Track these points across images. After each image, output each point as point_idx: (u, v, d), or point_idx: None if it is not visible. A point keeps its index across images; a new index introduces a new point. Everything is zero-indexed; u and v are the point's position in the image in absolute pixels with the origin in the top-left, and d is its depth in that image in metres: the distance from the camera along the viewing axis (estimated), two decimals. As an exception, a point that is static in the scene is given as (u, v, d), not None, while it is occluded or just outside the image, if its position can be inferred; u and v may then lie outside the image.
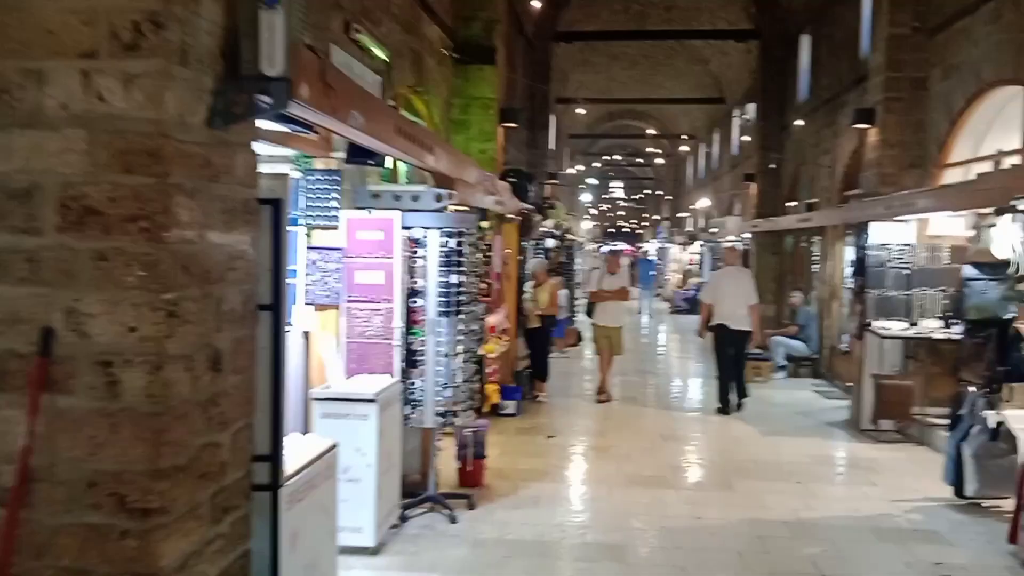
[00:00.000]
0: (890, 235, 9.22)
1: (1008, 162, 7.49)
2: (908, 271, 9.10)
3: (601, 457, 7.95)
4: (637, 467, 7.51)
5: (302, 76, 2.70)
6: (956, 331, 8.76)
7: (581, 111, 28.66)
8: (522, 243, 10.38)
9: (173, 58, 2.23)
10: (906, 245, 9.12)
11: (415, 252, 5.69)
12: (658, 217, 47.73)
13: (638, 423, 9.57)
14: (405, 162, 5.09)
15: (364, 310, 5.56)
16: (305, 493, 3.62)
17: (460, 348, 5.84)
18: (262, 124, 3.20)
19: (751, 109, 19.04)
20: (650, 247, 46.07)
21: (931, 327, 8.96)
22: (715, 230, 22.98)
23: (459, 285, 5.77)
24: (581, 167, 35.50)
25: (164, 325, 2.24)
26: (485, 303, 9.51)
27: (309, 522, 3.66)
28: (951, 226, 9.13)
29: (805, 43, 15.65)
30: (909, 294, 9.12)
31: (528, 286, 10.80)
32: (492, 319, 9.33)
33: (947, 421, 8.63)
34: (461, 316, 5.84)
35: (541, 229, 13.25)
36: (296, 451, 3.75)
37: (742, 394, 10.27)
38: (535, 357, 10.58)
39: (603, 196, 60.33)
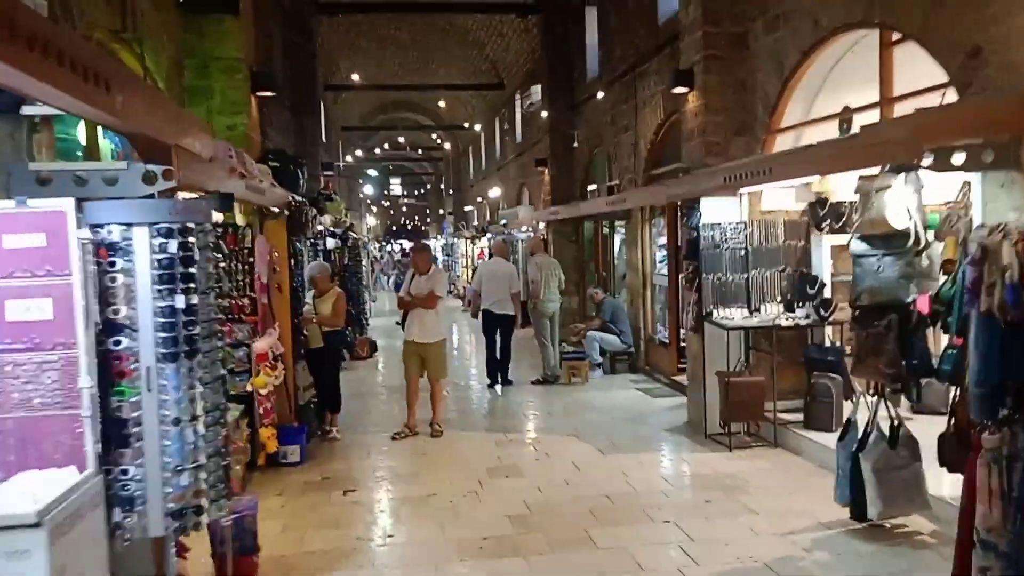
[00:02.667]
0: (720, 213, 8.15)
1: (861, 120, 6.52)
2: (744, 252, 8.06)
3: (419, 514, 6.12)
4: (467, 525, 5.76)
5: None
6: (800, 315, 7.85)
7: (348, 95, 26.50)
8: (296, 244, 8.27)
9: None
10: (739, 224, 8.08)
11: (111, 264, 3.57)
12: (442, 212, 46.45)
13: (455, 455, 7.83)
14: (55, 105, 2.97)
15: (23, 364, 3.36)
16: None
17: (200, 407, 3.78)
18: None
19: (536, 92, 17.92)
20: (436, 243, 44.84)
21: (774, 313, 7.98)
22: (505, 222, 21.78)
23: (191, 310, 3.70)
24: (360, 158, 33.19)
25: None
26: (251, 324, 7.44)
27: None
28: (783, 199, 8.21)
29: (591, 15, 14.65)
30: (747, 277, 8.09)
31: (307, 296, 8.72)
32: (261, 344, 7.21)
33: (800, 417, 7.78)
34: (199, 357, 3.77)
35: (318, 227, 11.12)
36: None
37: (504, 377, 11.32)
38: (322, 384, 8.52)
39: (384, 193, 58.20)
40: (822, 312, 7.70)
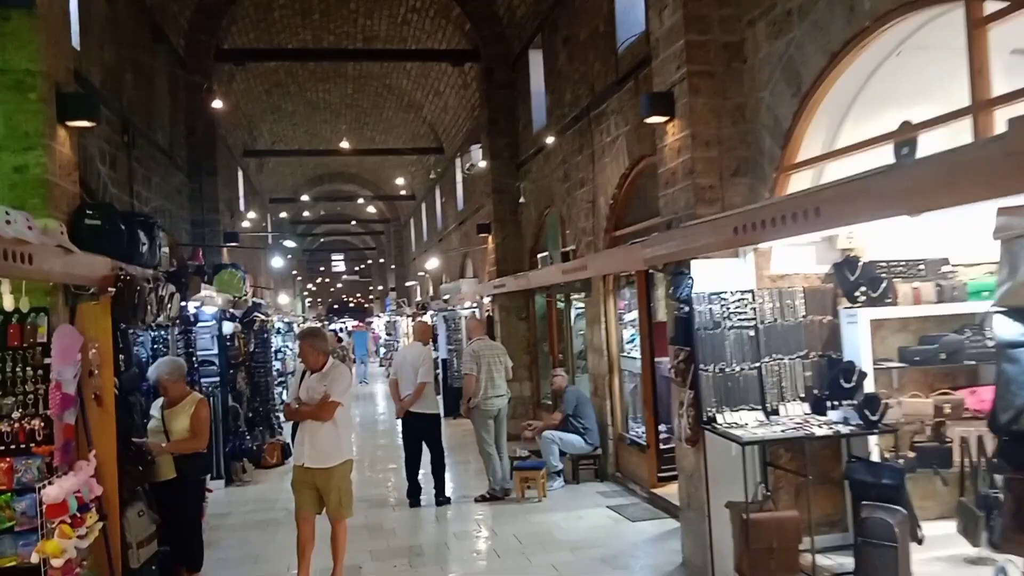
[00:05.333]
0: (718, 281, 6.03)
1: (929, 140, 4.46)
2: (753, 333, 5.92)
3: None
4: None
5: None
6: (836, 418, 5.68)
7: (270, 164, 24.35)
8: (129, 332, 5.87)
9: None
10: (745, 294, 5.96)
11: None
12: (382, 288, 44.13)
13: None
14: None
15: None
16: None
17: None
18: None
19: (477, 152, 15.92)
20: (378, 321, 42.34)
21: (799, 415, 5.81)
22: (447, 297, 19.52)
23: None
24: (294, 231, 30.71)
25: None
26: (44, 457, 5.03)
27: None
28: (799, 260, 6.13)
29: (536, 59, 12.76)
30: (759, 367, 5.92)
31: (155, 408, 6.27)
32: (52, 490, 4.75)
33: (845, 564, 5.53)
34: None
35: (193, 306, 8.74)
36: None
37: (440, 493, 9.10)
38: (173, 530, 6.02)
39: (322, 269, 55.67)
40: (868, 414, 5.53)
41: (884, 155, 4.83)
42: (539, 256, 12.43)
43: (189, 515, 6.14)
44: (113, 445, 5.44)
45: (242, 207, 19.22)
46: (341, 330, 35.89)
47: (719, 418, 5.79)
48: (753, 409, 5.84)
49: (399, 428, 9.60)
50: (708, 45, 6.16)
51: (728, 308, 5.91)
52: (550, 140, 11.39)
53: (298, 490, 6.16)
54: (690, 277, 5.93)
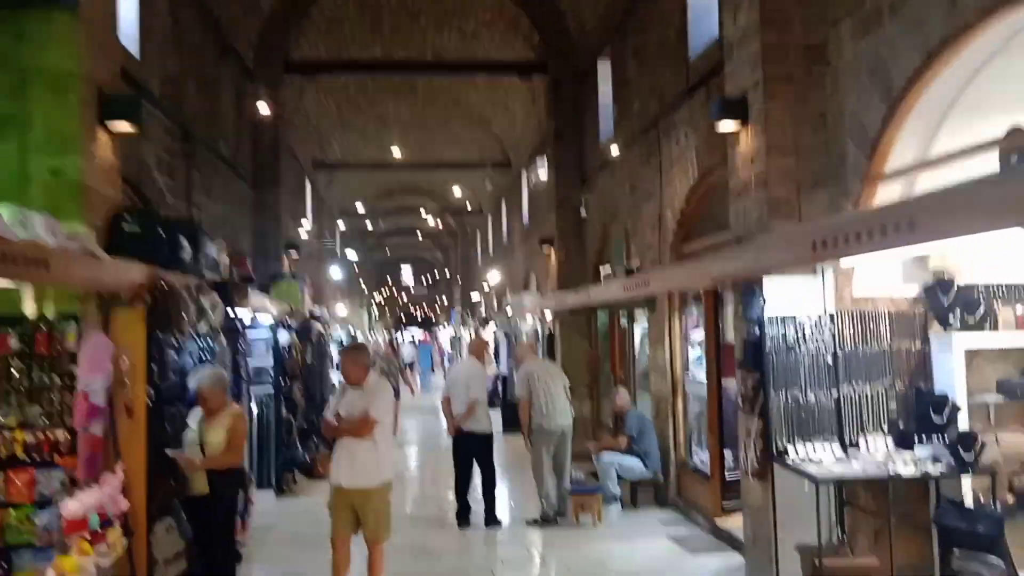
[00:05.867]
0: (793, 302, 5.52)
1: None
2: (832, 359, 5.38)
3: None
4: None
5: None
6: (924, 456, 5.09)
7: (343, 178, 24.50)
8: (171, 341, 5.67)
9: None
10: (823, 316, 5.43)
11: None
12: (447, 301, 44.15)
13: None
14: None
15: None
16: None
17: None
18: None
19: (543, 166, 15.57)
20: (443, 334, 42.35)
21: (880, 451, 5.24)
22: (510, 312, 19.20)
23: None
24: (353, 249, 30.81)
25: None
26: (68, 469, 4.82)
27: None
28: (885, 280, 5.57)
29: (604, 70, 12.37)
30: (837, 397, 5.38)
31: (192, 419, 6.05)
32: (74, 505, 4.54)
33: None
34: None
35: (248, 315, 8.60)
36: None
37: (491, 514, 8.65)
38: (205, 547, 5.78)
39: (390, 281, 56.13)
40: (962, 453, 4.94)
41: (986, 165, 4.28)
42: (602, 272, 11.98)
43: (220, 532, 5.88)
44: (143, 458, 5.23)
45: (309, 218, 19.30)
46: (403, 341, 35.66)
47: (790, 450, 5.28)
48: (829, 442, 5.30)
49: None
50: (787, 47, 5.68)
51: (803, 331, 5.39)
52: (615, 149, 10.96)
53: (335, 511, 5.85)
54: (762, 296, 5.43)
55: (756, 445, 5.49)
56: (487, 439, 8.82)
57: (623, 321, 12.12)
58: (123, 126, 5.30)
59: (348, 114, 20.80)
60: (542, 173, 15.35)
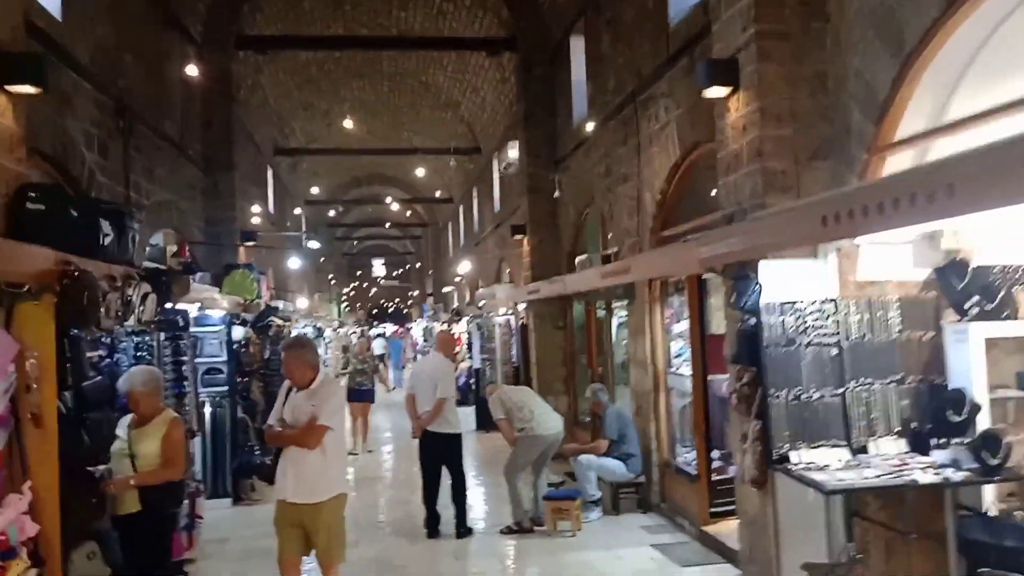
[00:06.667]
0: (791, 287, 4.94)
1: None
2: (836, 351, 4.81)
3: None
4: None
5: None
6: (943, 459, 4.54)
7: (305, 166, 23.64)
8: (77, 336, 4.94)
9: None
10: (826, 303, 4.85)
11: None
12: (418, 293, 43.41)
13: None
14: None
15: None
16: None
17: None
18: None
19: (513, 150, 14.91)
20: (416, 327, 41.55)
21: (892, 455, 4.68)
22: (483, 303, 18.54)
23: None
24: (315, 238, 29.93)
25: None
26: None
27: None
28: (893, 263, 5.00)
29: (577, 45, 11.74)
30: (842, 393, 4.81)
31: (121, 426, 5.34)
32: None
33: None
34: None
35: (196, 309, 7.89)
36: None
37: (462, 523, 8.00)
38: (140, 573, 5.09)
39: (359, 273, 55.16)
40: (986, 457, 4.39)
41: (1012, 129, 3.69)
42: (578, 260, 11.37)
43: (156, 555, 5.19)
44: (55, 474, 4.53)
45: (270, 206, 18.49)
46: (373, 335, 34.81)
47: (792, 456, 4.71)
48: (836, 446, 4.74)
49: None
50: (782, 0, 5.07)
51: (804, 320, 4.82)
52: (590, 127, 10.34)
53: (281, 529, 5.16)
54: (757, 282, 4.84)
55: (754, 450, 4.91)
56: (456, 440, 8.17)
57: (600, 312, 11.53)
58: (25, 88, 4.57)
59: (309, 96, 20.00)
60: (512, 155, 14.70)
